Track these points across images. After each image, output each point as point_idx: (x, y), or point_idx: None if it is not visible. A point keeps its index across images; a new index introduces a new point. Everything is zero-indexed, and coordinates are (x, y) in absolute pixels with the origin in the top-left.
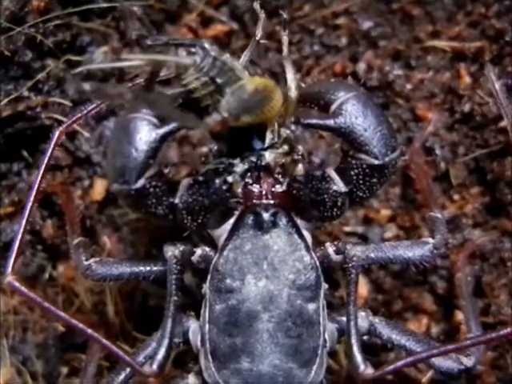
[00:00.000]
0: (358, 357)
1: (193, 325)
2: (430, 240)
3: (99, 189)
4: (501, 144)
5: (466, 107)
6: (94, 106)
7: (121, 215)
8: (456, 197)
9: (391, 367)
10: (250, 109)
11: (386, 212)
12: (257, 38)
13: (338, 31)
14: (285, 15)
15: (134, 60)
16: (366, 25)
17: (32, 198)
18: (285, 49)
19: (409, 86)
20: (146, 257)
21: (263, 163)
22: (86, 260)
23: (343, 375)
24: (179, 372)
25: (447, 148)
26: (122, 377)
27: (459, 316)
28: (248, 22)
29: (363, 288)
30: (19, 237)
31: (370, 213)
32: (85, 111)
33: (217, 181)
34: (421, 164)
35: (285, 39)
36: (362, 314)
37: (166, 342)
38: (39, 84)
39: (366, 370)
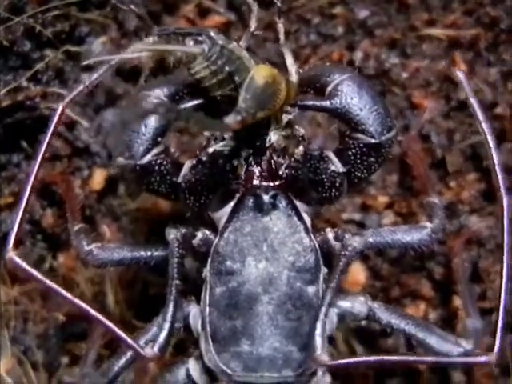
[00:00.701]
0: (318, 341)
1: (193, 309)
2: (428, 224)
3: (98, 179)
4: (496, 130)
5: (462, 95)
6: (93, 79)
7: (120, 205)
8: (452, 183)
9: (345, 361)
10: (264, 105)
11: (383, 199)
12: (251, 30)
13: (334, 20)
14: (279, 3)
15: (142, 51)
16: (363, 14)
17: (36, 166)
18: (281, 36)
19: (405, 75)
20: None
21: (266, 146)
22: (87, 245)
23: None
24: (179, 358)
25: (443, 135)
26: (122, 361)
27: (457, 301)
28: (246, 13)
29: (361, 274)
30: (22, 207)
31: (367, 200)
32: (84, 85)
33: (221, 162)
34: (417, 151)
35: (280, 27)
36: (361, 299)
37: (167, 325)
38: (38, 74)
39: (321, 355)
